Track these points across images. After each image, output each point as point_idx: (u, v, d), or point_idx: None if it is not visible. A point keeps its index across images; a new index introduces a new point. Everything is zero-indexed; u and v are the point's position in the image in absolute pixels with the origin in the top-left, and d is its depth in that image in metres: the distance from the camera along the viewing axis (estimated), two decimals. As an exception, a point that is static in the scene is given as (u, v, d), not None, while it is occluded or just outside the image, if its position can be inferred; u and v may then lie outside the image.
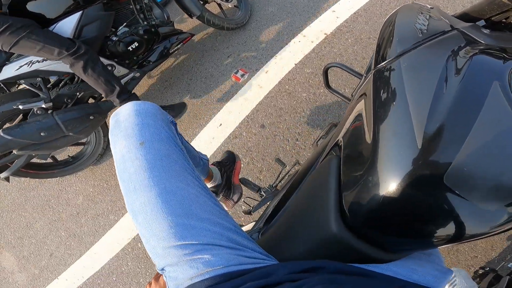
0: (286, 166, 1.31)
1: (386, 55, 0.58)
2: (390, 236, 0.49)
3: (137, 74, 1.74)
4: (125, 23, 1.62)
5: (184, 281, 0.45)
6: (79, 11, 1.41)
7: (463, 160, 0.41)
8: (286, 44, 1.92)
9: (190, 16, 1.83)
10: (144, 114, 0.58)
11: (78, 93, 1.58)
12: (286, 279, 0.41)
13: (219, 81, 1.91)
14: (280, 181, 1.25)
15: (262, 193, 1.21)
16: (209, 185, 1.06)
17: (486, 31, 0.61)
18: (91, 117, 1.55)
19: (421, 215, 0.44)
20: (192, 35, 1.94)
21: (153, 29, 1.69)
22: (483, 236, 0.44)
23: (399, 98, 0.49)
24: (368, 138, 0.49)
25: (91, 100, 1.74)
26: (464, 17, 0.74)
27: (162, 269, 0.49)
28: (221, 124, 1.76)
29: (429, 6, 0.69)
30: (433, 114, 0.44)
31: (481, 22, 0.74)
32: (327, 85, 1.07)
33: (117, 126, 0.58)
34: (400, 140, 0.45)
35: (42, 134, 1.43)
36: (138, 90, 2.08)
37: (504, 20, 0.71)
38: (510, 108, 0.43)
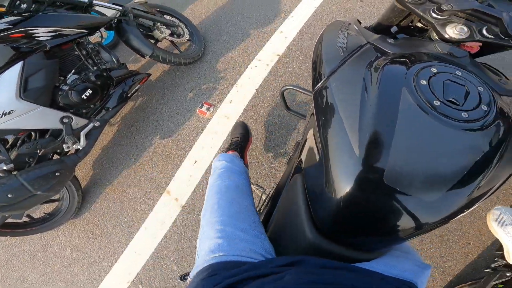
0: (265, 190, 1.37)
1: (320, 75, 0.64)
2: (359, 237, 0.55)
3: (97, 123, 1.69)
4: (73, 70, 1.55)
5: (201, 257, 0.61)
6: (19, 61, 1.34)
7: (394, 161, 0.46)
8: (244, 70, 2.00)
9: (142, 56, 1.83)
10: (224, 159, 0.95)
11: (38, 151, 1.51)
12: (271, 271, 0.49)
13: (186, 118, 1.93)
14: (262, 205, 1.31)
15: None
16: None
17: (391, 40, 0.68)
18: (57, 174, 1.50)
19: (376, 215, 0.49)
20: (149, 75, 1.96)
21: (105, 74, 1.65)
22: (443, 223, 0.50)
23: (335, 115, 0.55)
24: (319, 154, 0.56)
25: (56, 156, 1.69)
26: (379, 26, 0.83)
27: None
28: (196, 161, 1.79)
29: (348, 22, 0.76)
30: (362, 126, 0.50)
31: (394, 28, 0.83)
32: (286, 107, 1.14)
33: (212, 167, 0.96)
34: (341, 153, 0.51)
35: (9, 196, 1.37)
36: (104, 138, 2.05)
37: (410, 24, 0.80)
38: (419, 108, 0.49)
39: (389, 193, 0.47)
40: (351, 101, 0.54)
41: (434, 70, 0.54)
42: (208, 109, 1.88)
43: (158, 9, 2.10)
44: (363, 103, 0.53)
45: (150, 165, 1.88)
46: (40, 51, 1.40)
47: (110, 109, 1.75)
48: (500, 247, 1.18)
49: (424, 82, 0.52)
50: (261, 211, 1.27)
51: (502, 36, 0.61)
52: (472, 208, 0.51)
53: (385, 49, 0.64)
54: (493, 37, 0.62)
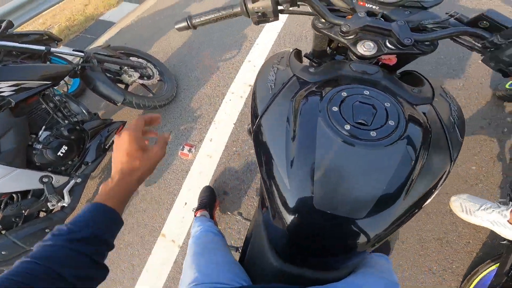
0: None
1: (256, 114, 0.66)
2: (316, 258, 0.60)
3: (79, 180, 1.64)
4: (44, 126, 1.49)
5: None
6: None
7: (319, 188, 0.50)
8: (219, 106, 2.03)
9: (114, 103, 1.79)
10: (201, 224, 1.05)
11: (23, 211, 1.47)
12: None
13: (169, 161, 1.94)
14: None
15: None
16: None
17: (312, 69, 0.70)
18: (46, 230, 1.47)
19: (321, 237, 0.54)
20: (124, 122, 1.93)
21: (77, 127, 1.61)
22: (391, 232, 0.53)
23: (268, 153, 0.59)
24: (264, 189, 0.61)
25: (43, 213, 1.63)
26: (315, 52, 0.87)
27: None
28: (186, 203, 1.79)
29: (281, 56, 0.77)
30: (288, 160, 0.54)
31: (330, 50, 0.87)
32: None
33: (192, 232, 1.04)
34: (278, 187, 0.55)
35: (3, 253, 1.36)
36: (88, 191, 2.01)
37: (339, 45, 0.84)
38: (333, 135, 0.52)
39: (323, 217, 0.51)
40: (279, 137, 0.58)
41: (344, 94, 0.57)
42: (189, 150, 1.89)
43: (122, 51, 2.08)
44: (287, 138, 0.57)
45: (140, 212, 1.87)
46: (6, 108, 1.35)
47: (89, 164, 1.70)
48: None
49: (335, 109, 0.55)
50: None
51: (400, 46, 0.63)
52: (417, 211, 0.55)
53: (307, 80, 0.67)
54: (394, 48, 0.64)
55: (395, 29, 0.61)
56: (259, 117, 0.64)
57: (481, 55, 0.65)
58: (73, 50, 1.78)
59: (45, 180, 1.48)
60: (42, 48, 1.54)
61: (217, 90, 2.11)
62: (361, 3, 0.71)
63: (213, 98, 2.08)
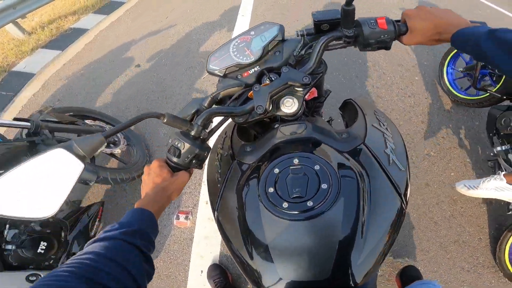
0: None
1: (213, 205, 0.70)
2: None
3: None
4: (7, 224, 1.28)
5: None
6: None
7: (279, 263, 0.54)
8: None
9: (86, 184, 1.56)
10: None
11: None
12: None
13: (166, 233, 1.81)
14: None
15: None
16: None
17: (249, 148, 0.72)
18: None
19: None
20: (102, 202, 1.75)
21: (50, 219, 1.38)
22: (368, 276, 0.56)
23: (230, 242, 0.63)
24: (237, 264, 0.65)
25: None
26: (254, 127, 0.86)
27: None
28: (202, 271, 1.68)
29: (223, 135, 0.78)
30: (247, 247, 0.58)
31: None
32: None
33: None
34: (246, 267, 0.59)
35: None
36: None
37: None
38: (275, 217, 0.55)
39: (294, 286, 0.54)
40: (234, 229, 0.62)
41: (276, 171, 0.59)
42: (186, 217, 1.80)
43: (71, 113, 1.78)
44: (241, 227, 0.60)
45: (153, 289, 1.75)
46: None
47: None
48: None
49: (271, 190, 0.57)
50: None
51: (305, 86, 0.65)
52: (388, 248, 0.57)
53: (245, 162, 0.69)
54: (304, 89, 0.66)
55: (291, 79, 0.64)
56: (215, 211, 0.68)
57: (355, 47, 0.70)
58: (14, 119, 1.46)
59: (32, 278, 1.31)
60: None
61: (196, 145, 2.02)
62: (245, 74, 0.75)
63: (194, 154, 1.99)
